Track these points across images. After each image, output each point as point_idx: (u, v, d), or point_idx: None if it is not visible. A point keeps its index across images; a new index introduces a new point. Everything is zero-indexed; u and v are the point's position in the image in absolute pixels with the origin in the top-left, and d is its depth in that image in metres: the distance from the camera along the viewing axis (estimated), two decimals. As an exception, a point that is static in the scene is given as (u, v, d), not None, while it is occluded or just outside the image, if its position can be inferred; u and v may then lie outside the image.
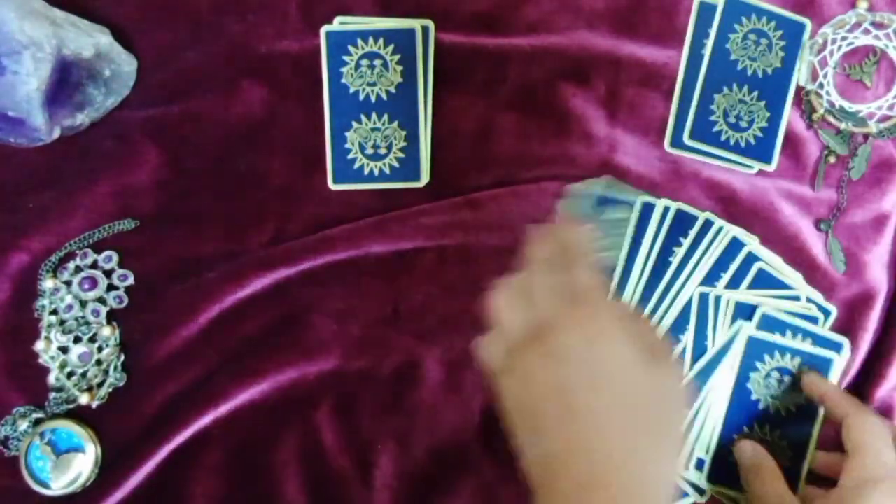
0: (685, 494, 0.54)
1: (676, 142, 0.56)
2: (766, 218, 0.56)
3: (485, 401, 0.55)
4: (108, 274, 0.55)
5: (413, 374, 0.56)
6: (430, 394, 0.55)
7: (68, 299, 0.54)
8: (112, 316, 0.55)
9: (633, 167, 0.56)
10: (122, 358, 0.54)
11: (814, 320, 0.54)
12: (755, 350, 0.54)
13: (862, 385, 0.55)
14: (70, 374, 0.54)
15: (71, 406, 0.54)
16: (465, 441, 0.55)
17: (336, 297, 0.55)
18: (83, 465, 0.53)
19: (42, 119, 0.50)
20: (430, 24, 0.57)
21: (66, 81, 0.51)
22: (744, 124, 0.56)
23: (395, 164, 0.56)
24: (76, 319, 0.54)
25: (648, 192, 0.56)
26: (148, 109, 0.56)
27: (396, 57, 0.56)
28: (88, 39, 0.52)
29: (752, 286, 0.55)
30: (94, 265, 0.55)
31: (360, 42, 0.56)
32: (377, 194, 0.57)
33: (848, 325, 0.56)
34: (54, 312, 0.54)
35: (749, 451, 0.52)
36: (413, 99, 0.56)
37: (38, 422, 0.53)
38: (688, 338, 0.55)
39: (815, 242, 0.56)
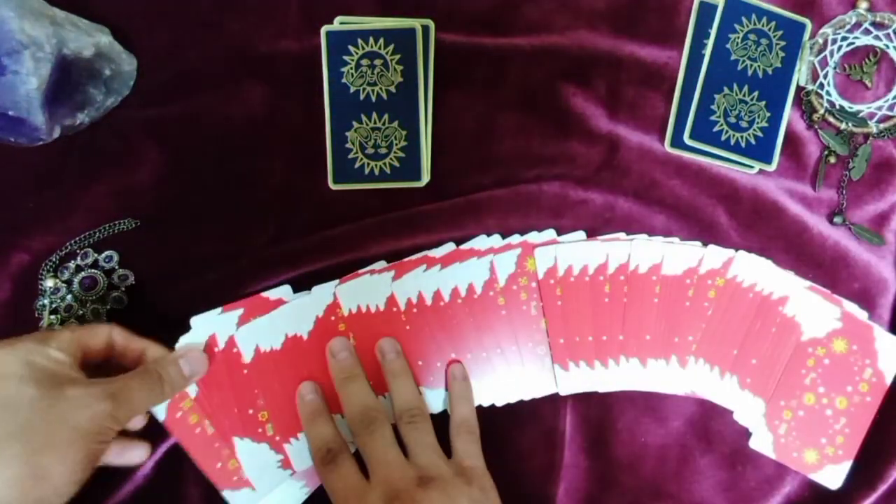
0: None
1: (677, 142, 0.56)
2: (769, 216, 0.56)
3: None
4: (108, 274, 0.55)
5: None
6: (430, 394, 0.55)
7: (69, 299, 0.54)
8: (112, 316, 0.55)
9: (633, 167, 0.56)
10: (122, 358, 0.54)
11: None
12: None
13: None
14: (70, 374, 0.53)
15: (71, 406, 0.54)
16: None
17: (336, 296, 0.55)
18: (83, 465, 0.53)
19: (42, 118, 0.50)
20: (431, 24, 0.57)
21: (66, 81, 0.51)
22: (744, 124, 0.56)
23: (396, 163, 0.56)
24: (76, 319, 0.54)
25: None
26: (148, 109, 0.57)
27: (397, 57, 0.56)
28: (88, 39, 0.52)
29: None
30: (95, 265, 0.55)
31: (360, 42, 0.56)
32: (377, 194, 0.56)
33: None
34: (54, 312, 0.54)
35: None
36: (413, 99, 0.56)
37: (37, 422, 0.53)
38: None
39: (818, 240, 0.56)
